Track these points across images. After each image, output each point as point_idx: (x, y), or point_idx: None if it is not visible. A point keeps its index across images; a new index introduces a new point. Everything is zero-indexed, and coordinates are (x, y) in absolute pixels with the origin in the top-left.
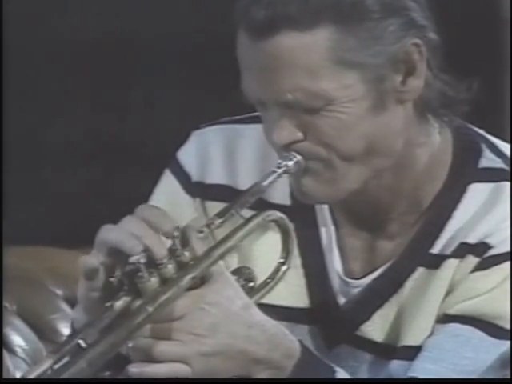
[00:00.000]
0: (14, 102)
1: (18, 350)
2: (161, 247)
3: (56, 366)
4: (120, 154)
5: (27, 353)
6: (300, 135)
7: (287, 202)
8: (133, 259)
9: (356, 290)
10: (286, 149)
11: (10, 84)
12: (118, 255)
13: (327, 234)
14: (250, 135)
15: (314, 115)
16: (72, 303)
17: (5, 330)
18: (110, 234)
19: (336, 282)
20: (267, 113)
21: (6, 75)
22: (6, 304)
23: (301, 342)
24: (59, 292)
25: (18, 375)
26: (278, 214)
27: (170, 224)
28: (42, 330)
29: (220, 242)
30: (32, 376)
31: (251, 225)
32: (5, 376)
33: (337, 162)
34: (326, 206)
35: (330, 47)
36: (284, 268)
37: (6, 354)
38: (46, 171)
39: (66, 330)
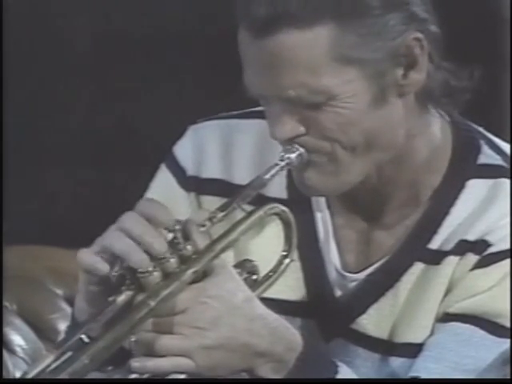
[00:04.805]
0: (14, 102)
1: (18, 349)
2: (161, 242)
3: (58, 362)
4: (119, 154)
5: (27, 352)
6: (302, 130)
7: (284, 195)
8: None
9: (353, 284)
10: (289, 142)
11: (10, 84)
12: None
13: (324, 226)
14: (247, 130)
15: (316, 110)
16: (72, 303)
17: (5, 330)
18: (115, 242)
19: (333, 276)
20: (270, 108)
21: (6, 75)
22: (5, 303)
23: (303, 335)
24: (59, 291)
25: (18, 375)
26: (281, 207)
27: (170, 216)
28: (42, 330)
29: (222, 235)
30: (34, 372)
31: (253, 218)
32: (5, 376)
33: (340, 155)
34: (322, 199)
35: (330, 44)
36: (287, 261)
37: (5, 353)
38: (46, 171)
39: None
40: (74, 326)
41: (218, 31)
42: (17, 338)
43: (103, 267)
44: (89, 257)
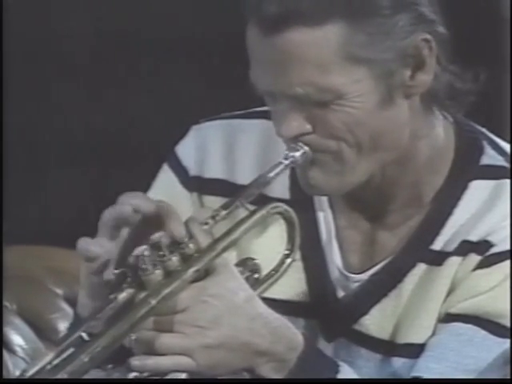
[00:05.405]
0: (14, 102)
1: (18, 349)
2: (180, 227)
3: (57, 360)
4: (120, 154)
5: (27, 352)
6: (309, 128)
7: (286, 195)
8: (137, 252)
9: (356, 284)
10: (294, 141)
11: (10, 83)
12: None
13: (327, 227)
14: (250, 130)
15: (324, 109)
16: (72, 302)
17: (5, 330)
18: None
19: (335, 276)
20: (276, 105)
21: (6, 75)
22: (6, 303)
23: (304, 334)
24: (59, 291)
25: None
26: (284, 207)
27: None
28: (42, 330)
29: (224, 234)
30: (33, 370)
31: (256, 217)
32: (5, 376)
33: (346, 155)
34: (325, 199)
35: (339, 43)
36: (289, 260)
37: (5, 353)
38: (46, 171)
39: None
40: (76, 323)
41: (220, 30)
42: (17, 338)
43: (95, 248)
44: (84, 241)
